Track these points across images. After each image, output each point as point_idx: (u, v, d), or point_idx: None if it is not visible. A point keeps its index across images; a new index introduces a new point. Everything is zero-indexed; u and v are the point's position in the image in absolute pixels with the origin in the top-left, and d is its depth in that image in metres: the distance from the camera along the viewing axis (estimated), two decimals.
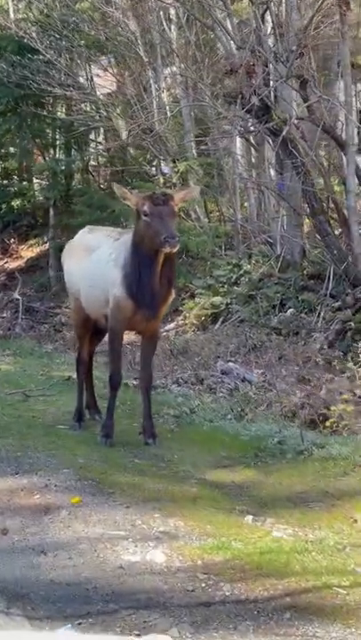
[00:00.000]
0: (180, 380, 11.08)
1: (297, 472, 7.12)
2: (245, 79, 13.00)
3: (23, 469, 6.94)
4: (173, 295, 7.96)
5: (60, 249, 19.82)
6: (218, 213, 17.86)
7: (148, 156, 18.31)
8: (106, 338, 8.35)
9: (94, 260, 8.11)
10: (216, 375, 11.19)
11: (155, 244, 7.26)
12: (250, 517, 6.02)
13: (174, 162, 16.92)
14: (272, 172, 15.98)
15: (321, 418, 8.74)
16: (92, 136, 20.36)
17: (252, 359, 12.59)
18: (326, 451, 7.29)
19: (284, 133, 12.01)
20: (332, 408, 8.39)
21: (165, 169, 19.96)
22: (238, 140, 17.00)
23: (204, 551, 5.33)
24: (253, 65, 12.98)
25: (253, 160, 17.82)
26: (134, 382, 11.10)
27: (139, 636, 4.19)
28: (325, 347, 12.67)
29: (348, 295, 13.12)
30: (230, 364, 11.39)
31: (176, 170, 16.65)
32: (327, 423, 8.23)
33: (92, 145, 19.97)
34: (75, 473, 6.84)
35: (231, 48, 13.85)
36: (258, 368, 12.02)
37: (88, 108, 18.69)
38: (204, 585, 4.89)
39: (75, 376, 11.38)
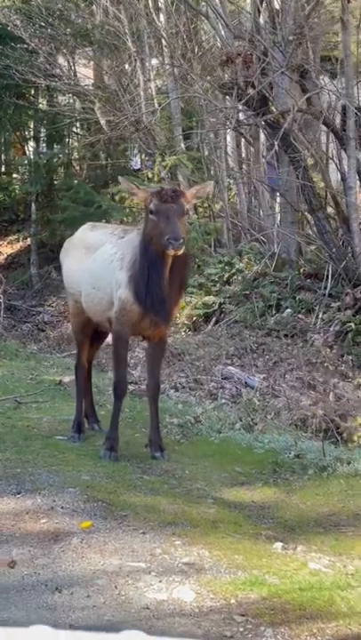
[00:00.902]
0: (178, 385, 10.57)
1: (322, 491, 6.61)
2: (243, 69, 12.45)
3: (25, 488, 6.36)
4: (183, 298, 7.41)
5: (42, 245, 19.53)
6: (207, 209, 17.25)
7: (136, 150, 17.68)
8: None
9: (97, 260, 7.54)
10: (216, 380, 10.66)
11: (159, 245, 6.71)
12: (279, 545, 5.49)
13: (162, 156, 16.30)
14: (266, 167, 15.40)
15: (335, 428, 8.24)
16: (75, 129, 19.67)
17: (249, 361, 12.09)
18: (352, 467, 6.77)
19: (286, 125, 11.45)
20: (358, 419, 7.85)
21: (137, 164, 19.41)
22: (229, 133, 16.44)
23: (236, 587, 4.78)
24: (251, 54, 12.43)
25: (244, 154, 17.24)
26: (130, 388, 10.58)
27: None
28: (325, 349, 12.18)
29: (347, 295, 12.63)
30: (230, 368, 10.86)
31: (165, 164, 16.04)
32: (354, 437, 7.68)
33: (76, 138, 19.28)
34: (81, 492, 6.28)
35: (227, 37, 13.25)
36: (257, 372, 11.53)
37: (72, 100, 18.01)
38: (242, 629, 4.35)
39: (66, 380, 10.92)
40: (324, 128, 13.93)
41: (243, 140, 16.88)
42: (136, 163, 19.62)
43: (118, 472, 6.91)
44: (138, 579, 4.88)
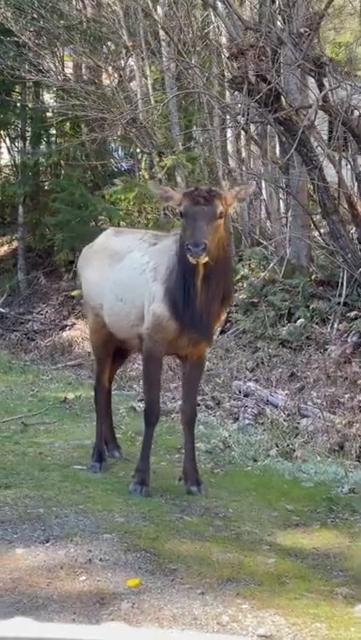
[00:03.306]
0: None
1: None
2: (254, 63, 11.64)
3: (54, 535, 5.51)
4: (225, 312, 6.58)
5: (30, 249, 18.61)
6: None
7: (131, 150, 16.83)
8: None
9: (125, 269, 6.70)
10: (235, 397, 9.85)
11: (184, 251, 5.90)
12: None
13: (160, 155, 15.48)
14: (269, 167, 14.60)
15: None
16: (65, 128, 18.76)
17: (262, 375, 11.31)
18: None
19: (305, 122, 10.65)
20: None
21: (128, 164, 18.60)
22: (229, 131, 15.62)
23: None
24: (264, 46, 11.62)
25: (244, 154, 16.44)
26: (140, 406, 9.76)
27: None
28: (343, 361, 11.41)
29: None
30: (250, 384, 10.04)
31: (163, 164, 15.22)
32: None
33: (66, 138, 18.37)
34: (120, 540, 5.44)
35: (236, 29, 12.42)
36: (271, 385, 10.75)
37: (61, 97, 17.09)
38: None
39: (71, 397, 10.08)
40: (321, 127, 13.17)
41: (243, 139, 16.06)
42: (128, 163, 18.79)
43: (154, 511, 6.08)
44: None
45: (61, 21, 15.34)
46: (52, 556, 5.18)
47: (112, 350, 7.23)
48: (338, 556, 5.54)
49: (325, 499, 6.51)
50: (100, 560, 5.12)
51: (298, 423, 8.76)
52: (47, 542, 5.39)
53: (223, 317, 6.70)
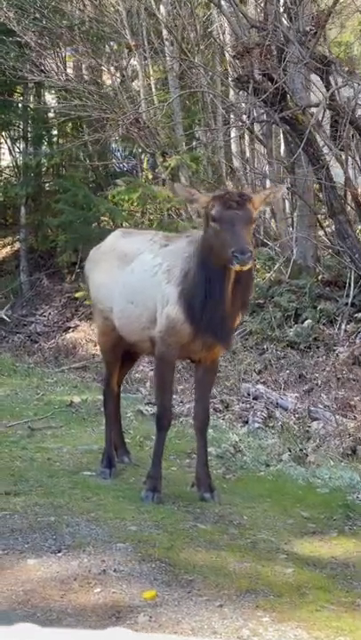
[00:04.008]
0: None
1: None
2: (260, 61, 11.50)
3: (65, 544, 5.37)
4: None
5: (32, 251, 18.47)
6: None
7: (134, 150, 16.68)
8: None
9: (136, 271, 6.55)
10: (243, 400, 9.71)
11: (222, 259, 5.73)
12: None
13: (164, 156, 15.34)
14: (275, 166, 14.46)
15: None
16: (67, 128, 18.63)
17: (269, 377, 11.18)
18: None
19: (313, 121, 10.52)
20: None
21: (129, 165, 18.45)
22: (233, 131, 15.48)
23: None
24: (270, 45, 11.49)
25: (248, 154, 16.30)
26: (148, 409, 9.62)
27: None
28: (351, 363, 11.29)
29: None
30: (259, 386, 9.90)
31: (166, 165, 15.07)
32: None
33: (69, 138, 18.22)
34: (133, 550, 5.30)
35: (241, 27, 12.29)
36: (279, 387, 10.62)
37: (63, 97, 16.95)
38: None
39: (77, 401, 9.93)
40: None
41: (247, 138, 15.92)
42: (130, 163, 18.65)
43: (167, 519, 5.93)
44: None
45: (64, 21, 15.18)
46: (64, 566, 5.04)
47: (121, 354, 7.08)
48: (358, 565, 5.39)
49: (342, 505, 6.36)
50: (115, 571, 4.98)
51: (309, 426, 8.62)
52: (59, 552, 5.25)
53: (239, 321, 6.55)
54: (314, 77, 12.70)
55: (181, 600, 4.65)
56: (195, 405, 6.80)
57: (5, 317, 16.01)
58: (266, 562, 5.29)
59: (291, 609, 4.61)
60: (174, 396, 9.95)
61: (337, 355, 11.50)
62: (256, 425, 8.82)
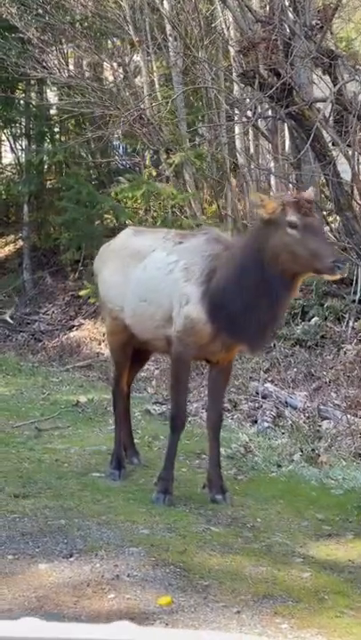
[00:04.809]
0: None
1: None
2: (266, 56, 11.36)
3: (77, 548, 5.26)
4: None
5: (35, 249, 18.33)
6: (216, 209, 16.18)
7: (138, 147, 16.53)
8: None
9: (149, 268, 6.42)
10: (252, 399, 9.59)
11: (311, 267, 5.61)
12: None
13: (167, 152, 15.21)
14: (280, 162, 14.33)
15: None
16: (70, 125, 18.49)
17: (277, 375, 11.06)
18: None
19: (320, 117, 10.39)
20: None
21: (131, 161, 18.33)
22: (237, 127, 15.35)
23: None
24: (276, 39, 11.34)
25: (252, 150, 16.16)
26: (155, 408, 9.52)
27: None
28: (358, 361, 11.16)
29: None
30: (268, 385, 9.78)
31: (170, 162, 14.94)
32: None
33: (72, 135, 18.09)
34: (146, 554, 5.19)
35: (247, 21, 12.16)
36: (287, 386, 10.50)
37: (66, 94, 16.83)
38: None
39: (83, 400, 9.82)
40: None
41: (251, 134, 15.79)
42: (132, 160, 18.51)
43: (180, 522, 5.83)
44: None
45: (67, 17, 15.05)
46: (77, 571, 4.93)
47: (131, 353, 6.96)
48: None
49: (357, 507, 6.25)
50: (128, 576, 4.87)
51: (319, 426, 8.50)
52: (71, 557, 5.14)
53: None
54: (318, 73, 12.57)
55: (198, 606, 4.54)
56: (208, 406, 6.71)
57: (9, 320, 15.86)
58: (282, 566, 5.18)
59: (310, 615, 4.50)
60: None
61: (345, 352, 11.36)
62: (266, 424, 8.70)
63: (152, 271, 6.36)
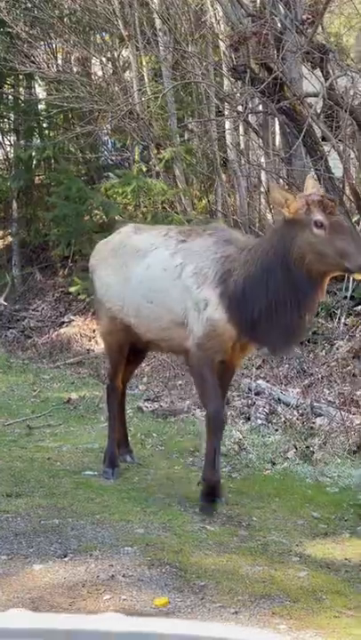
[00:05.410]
0: None
1: None
2: (257, 51, 11.28)
3: (71, 548, 5.20)
4: None
5: (24, 245, 18.21)
6: (206, 204, 16.11)
7: (127, 142, 16.42)
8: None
9: (152, 267, 6.29)
10: (244, 396, 9.53)
11: (340, 267, 5.52)
12: None
13: (158, 148, 15.12)
14: (271, 157, 14.25)
15: None
16: (59, 121, 18.35)
17: (268, 371, 11.00)
18: None
19: (312, 111, 10.32)
20: None
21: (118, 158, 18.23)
22: (228, 122, 15.26)
23: None
24: (267, 34, 11.26)
25: (242, 145, 16.08)
26: (147, 406, 9.46)
27: None
28: (350, 357, 11.11)
29: None
30: (261, 381, 9.72)
31: (161, 157, 14.86)
32: None
33: (60, 130, 17.95)
34: (142, 553, 5.13)
35: (237, 15, 12.08)
36: (279, 382, 10.44)
37: (59, 88, 16.73)
38: None
39: (74, 397, 9.75)
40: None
41: (241, 129, 15.70)
42: (121, 156, 18.40)
43: (175, 521, 5.78)
44: None
45: (55, 11, 14.94)
46: (71, 572, 4.88)
47: (127, 351, 6.87)
48: None
49: (353, 505, 6.21)
50: (124, 576, 4.82)
51: (313, 423, 8.44)
52: (65, 557, 5.08)
53: None
54: (308, 67, 12.50)
55: (195, 607, 4.49)
56: None
57: (3, 302, 15.77)
58: (279, 565, 5.14)
59: (308, 615, 4.46)
60: (174, 392, 9.81)
61: (337, 348, 11.32)
62: (259, 421, 8.63)
63: (157, 271, 6.22)
